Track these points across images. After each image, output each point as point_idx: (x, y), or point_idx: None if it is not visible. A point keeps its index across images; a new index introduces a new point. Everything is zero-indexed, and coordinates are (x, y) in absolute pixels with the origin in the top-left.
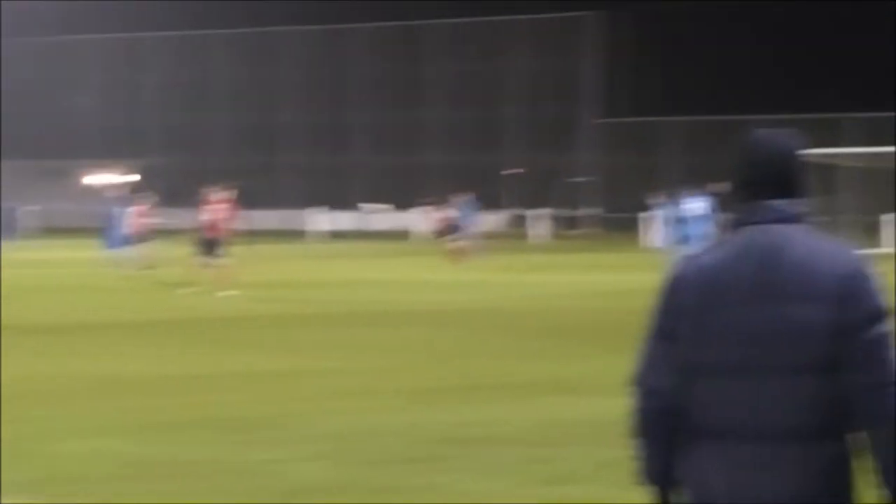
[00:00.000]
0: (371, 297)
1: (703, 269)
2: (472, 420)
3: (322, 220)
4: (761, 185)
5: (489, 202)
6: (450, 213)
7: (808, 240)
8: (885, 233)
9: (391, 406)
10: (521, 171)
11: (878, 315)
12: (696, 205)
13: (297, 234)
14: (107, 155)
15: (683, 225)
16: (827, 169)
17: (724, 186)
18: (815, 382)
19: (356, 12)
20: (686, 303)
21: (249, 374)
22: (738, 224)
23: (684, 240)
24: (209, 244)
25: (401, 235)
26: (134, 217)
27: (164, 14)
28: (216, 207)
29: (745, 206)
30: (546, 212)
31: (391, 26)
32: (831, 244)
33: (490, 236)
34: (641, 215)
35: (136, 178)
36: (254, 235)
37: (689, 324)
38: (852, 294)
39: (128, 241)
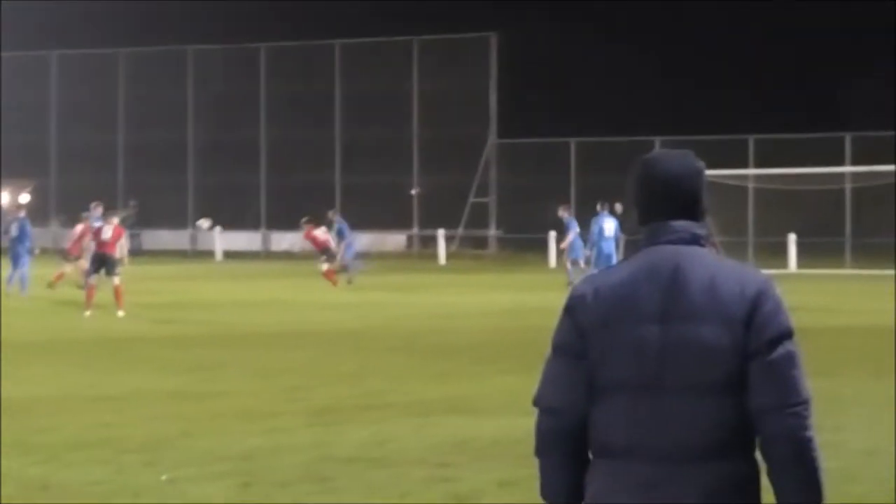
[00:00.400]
0: (269, 317)
1: (606, 288)
2: (372, 440)
3: (218, 239)
4: (662, 205)
5: (395, 222)
6: (320, 233)
7: (711, 261)
8: (792, 253)
9: (292, 426)
10: (417, 191)
11: (783, 335)
12: (608, 224)
13: (195, 254)
14: (6, 174)
15: (599, 243)
16: (732, 190)
17: (623, 207)
18: (720, 402)
19: (262, 31)
20: (589, 321)
21: (147, 393)
22: (640, 244)
23: (599, 258)
24: (100, 262)
25: (304, 255)
26: (80, 234)
27: (68, 31)
28: (108, 226)
29: (647, 227)
30: (454, 232)
31: (295, 46)
32: (736, 265)
33: (398, 256)
34: (551, 234)
35: (27, 197)
36: (152, 255)
37: (592, 343)
38: (757, 314)
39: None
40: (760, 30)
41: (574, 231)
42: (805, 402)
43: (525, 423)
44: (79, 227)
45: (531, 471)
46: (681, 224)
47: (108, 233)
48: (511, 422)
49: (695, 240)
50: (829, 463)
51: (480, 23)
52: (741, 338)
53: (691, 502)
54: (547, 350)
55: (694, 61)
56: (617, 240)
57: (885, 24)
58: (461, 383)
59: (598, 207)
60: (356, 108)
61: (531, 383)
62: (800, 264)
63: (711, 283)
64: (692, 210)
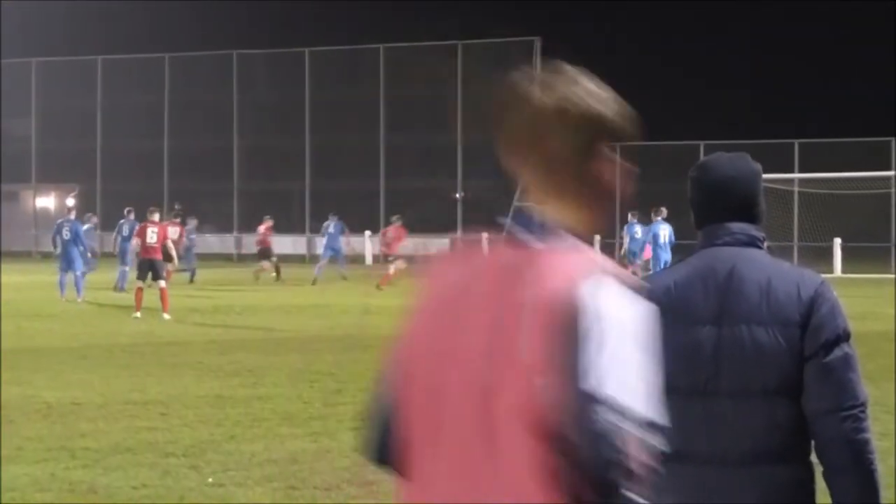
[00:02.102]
0: (311, 321)
1: (661, 290)
2: None
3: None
4: (718, 207)
5: (440, 226)
6: (266, 234)
7: (767, 262)
8: (837, 257)
9: (336, 430)
10: (461, 195)
11: (839, 338)
12: (663, 231)
13: (240, 258)
14: (44, 178)
15: (655, 251)
16: (777, 194)
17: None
18: (774, 405)
19: (307, 36)
20: None
21: (192, 398)
22: (698, 246)
23: (656, 267)
24: (147, 267)
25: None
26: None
27: (113, 36)
28: (153, 231)
29: (703, 229)
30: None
31: (340, 50)
32: (792, 267)
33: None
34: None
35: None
36: (198, 259)
37: None
38: (814, 317)
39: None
40: (800, 32)
41: (632, 236)
42: (862, 405)
43: None
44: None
45: None
46: (737, 226)
47: (152, 237)
48: None
49: (751, 241)
50: None
51: (525, 26)
52: (797, 340)
53: None
54: None
55: (737, 67)
56: (673, 246)
57: None
58: None
59: (653, 215)
60: (400, 113)
61: None
62: (844, 269)
63: (767, 286)
64: (749, 212)
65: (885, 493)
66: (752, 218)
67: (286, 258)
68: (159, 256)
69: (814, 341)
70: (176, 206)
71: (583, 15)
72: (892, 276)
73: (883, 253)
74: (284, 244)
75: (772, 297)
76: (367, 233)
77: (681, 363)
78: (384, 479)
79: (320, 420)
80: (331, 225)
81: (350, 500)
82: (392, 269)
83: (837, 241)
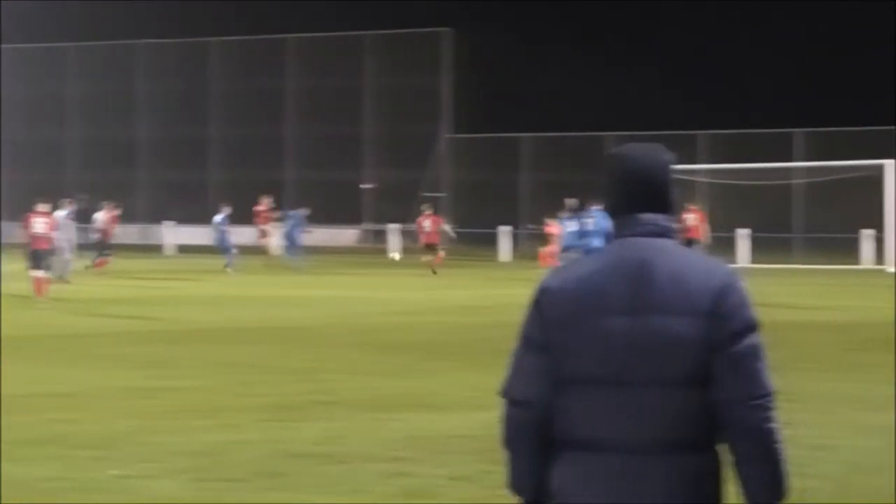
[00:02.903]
0: (223, 313)
1: (574, 281)
2: (325, 436)
3: (174, 234)
4: (634, 198)
5: (348, 217)
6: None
7: (679, 253)
8: (743, 248)
9: (246, 422)
10: (373, 185)
11: (748, 328)
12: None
13: (151, 249)
14: None
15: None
16: (682, 184)
17: (573, 202)
18: (685, 395)
19: (215, 25)
20: (557, 314)
21: (102, 390)
22: (611, 236)
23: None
24: (38, 257)
25: (261, 251)
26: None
27: (15, 27)
28: (42, 221)
29: (617, 219)
30: (405, 227)
31: (248, 40)
32: (703, 258)
33: (350, 251)
34: (502, 229)
35: None
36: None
37: (559, 335)
38: (724, 308)
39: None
40: (707, 27)
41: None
42: (768, 395)
43: (479, 419)
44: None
45: (485, 466)
46: (649, 217)
47: (40, 227)
48: (465, 417)
49: (663, 232)
50: None
51: (434, 18)
52: (706, 330)
53: (657, 495)
54: (514, 342)
55: (645, 58)
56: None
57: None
58: (415, 379)
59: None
60: (309, 103)
61: (485, 379)
62: (751, 259)
63: (678, 276)
64: (661, 203)
65: (790, 481)
66: (664, 208)
67: (198, 249)
68: (46, 246)
69: (722, 331)
70: (79, 197)
71: (493, 7)
72: (797, 266)
73: (787, 243)
74: (196, 235)
75: (682, 287)
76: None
77: (595, 353)
78: (294, 471)
79: (230, 412)
80: (220, 217)
81: (258, 493)
82: (441, 253)
83: (744, 232)
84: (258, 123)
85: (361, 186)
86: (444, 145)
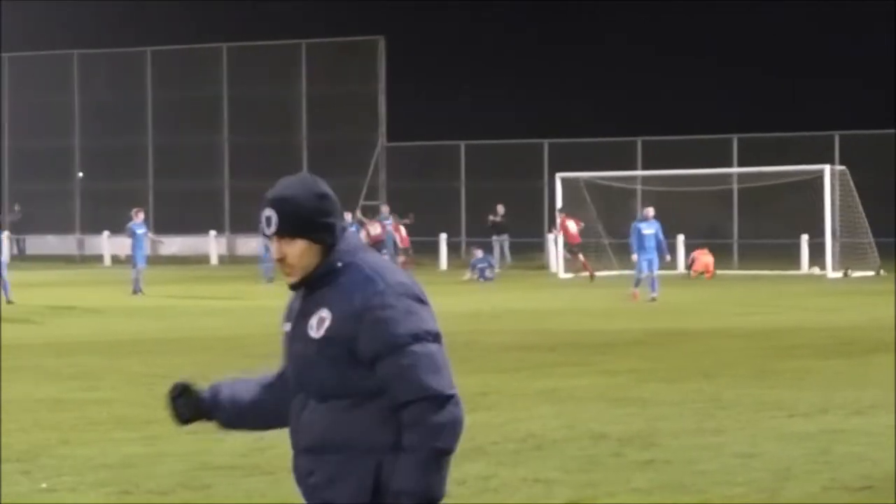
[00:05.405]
0: (154, 323)
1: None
2: (252, 447)
3: (107, 244)
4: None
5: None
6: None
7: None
8: (680, 254)
9: (172, 434)
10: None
11: (405, 341)
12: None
13: (83, 259)
14: None
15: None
16: (620, 192)
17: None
18: (342, 402)
19: (147, 35)
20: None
21: (27, 402)
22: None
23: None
24: None
25: (199, 259)
26: None
27: None
28: None
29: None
30: None
31: (182, 49)
32: (362, 275)
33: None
34: (442, 237)
35: None
36: (34, 260)
37: None
38: (368, 325)
39: None
40: (644, 34)
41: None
42: (427, 399)
43: None
44: None
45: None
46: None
47: None
48: None
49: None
50: (708, 465)
51: (368, 26)
52: (357, 346)
53: (341, 494)
54: (424, 342)
55: (582, 65)
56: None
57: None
58: None
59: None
60: (244, 112)
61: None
62: (687, 265)
63: (337, 293)
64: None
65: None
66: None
67: (128, 260)
68: None
69: (371, 348)
70: (15, 208)
71: (426, 15)
72: (734, 272)
73: (725, 249)
74: (127, 245)
75: (337, 303)
76: (213, 233)
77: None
78: (219, 483)
79: (156, 424)
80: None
81: None
82: (582, 257)
83: (681, 238)
84: (194, 132)
85: None
86: (380, 153)
